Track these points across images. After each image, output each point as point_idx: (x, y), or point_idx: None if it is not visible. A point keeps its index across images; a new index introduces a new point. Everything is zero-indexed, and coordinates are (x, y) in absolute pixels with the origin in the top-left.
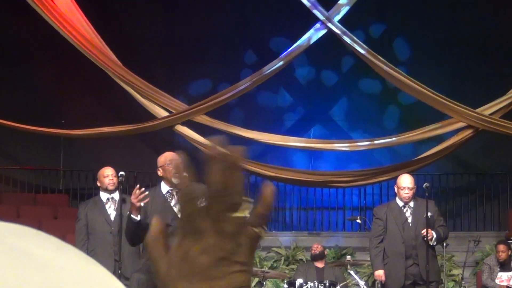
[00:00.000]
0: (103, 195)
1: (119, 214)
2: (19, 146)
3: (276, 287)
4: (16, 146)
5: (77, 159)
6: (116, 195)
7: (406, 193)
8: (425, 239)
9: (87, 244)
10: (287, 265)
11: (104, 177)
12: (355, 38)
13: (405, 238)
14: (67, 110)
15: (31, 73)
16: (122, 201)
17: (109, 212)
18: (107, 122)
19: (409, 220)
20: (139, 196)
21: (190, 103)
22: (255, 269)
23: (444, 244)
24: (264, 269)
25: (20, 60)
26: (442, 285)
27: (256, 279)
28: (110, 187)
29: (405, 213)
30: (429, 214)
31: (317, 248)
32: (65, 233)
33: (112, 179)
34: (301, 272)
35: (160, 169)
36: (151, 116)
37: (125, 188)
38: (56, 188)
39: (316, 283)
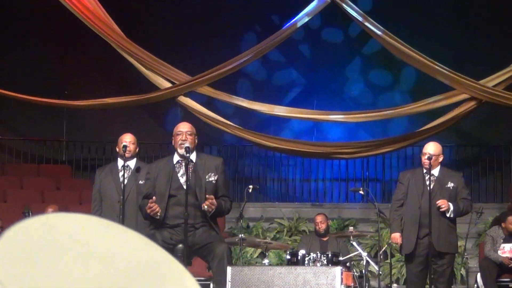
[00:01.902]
0: (119, 162)
1: (122, 183)
2: (22, 117)
3: (278, 258)
4: (19, 117)
5: (80, 130)
6: (132, 163)
7: (425, 158)
8: (440, 209)
9: (101, 210)
10: (290, 236)
11: (122, 143)
12: (360, 11)
13: (422, 205)
14: (70, 81)
15: (35, 45)
16: (136, 170)
17: (121, 180)
18: (110, 93)
19: (430, 188)
20: (154, 210)
21: (192, 76)
22: (258, 240)
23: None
24: (267, 240)
25: (23, 32)
26: None
27: (259, 250)
28: (126, 154)
29: (426, 180)
30: (452, 185)
31: (322, 225)
32: (68, 204)
33: (128, 146)
34: (305, 244)
35: (172, 138)
36: (154, 87)
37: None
38: (59, 159)
39: (319, 254)
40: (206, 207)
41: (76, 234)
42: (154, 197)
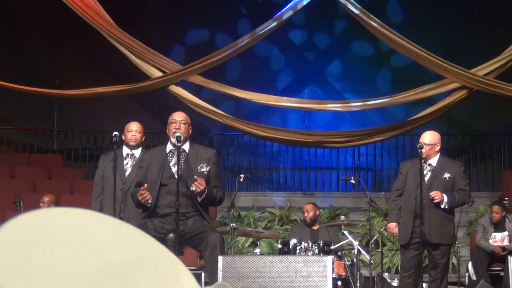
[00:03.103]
0: (125, 150)
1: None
2: (13, 107)
3: (270, 247)
4: (10, 107)
5: (71, 119)
6: (137, 152)
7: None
8: (433, 201)
9: (102, 196)
10: (281, 226)
11: (128, 131)
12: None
13: (417, 196)
14: (61, 70)
15: (25, 34)
16: (131, 156)
17: (125, 168)
18: (101, 82)
19: (426, 178)
20: (145, 197)
21: (184, 64)
22: (249, 229)
23: None
24: (258, 229)
25: (13, 21)
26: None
27: (250, 239)
28: (132, 143)
29: (423, 170)
30: (449, 175)
31: (307, 214)
32: (60, 194)
33: (134, 135)
34: (296, 233)
35: (167, 127)
36: (145, 76)
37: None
38: (50, 149)
39: (310, 243)
40: (193, 187)
41: (71, 228)
42: (146, 185)
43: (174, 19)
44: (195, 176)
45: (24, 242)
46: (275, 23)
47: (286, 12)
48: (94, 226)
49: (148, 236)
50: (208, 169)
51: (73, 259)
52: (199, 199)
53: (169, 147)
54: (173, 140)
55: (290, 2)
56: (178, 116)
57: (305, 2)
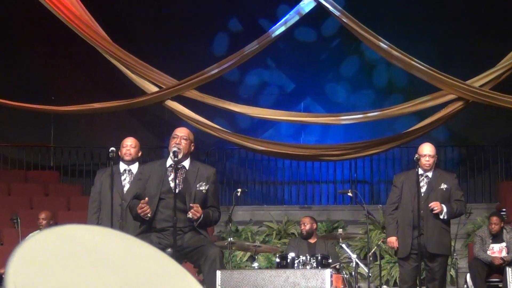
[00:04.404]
0: (122, 166)
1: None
2: (9, 123)
3: (268, 261)
4: (6, 123)
5: (68, 135)
6: (134, 167)
7: (427, 160)
8: (433, 212)
9: (99, 212)
10: (279, 239)
11: (123, 147)
12: (345, 12)
13: (415, 208)
14: (57, 87)
15: (21, 50)
16: (128, 172)
17: (123, 184)
18: (98, 98)
19: (423, 190)
20: (145, 211)
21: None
22: (247, 243)
23: None
24: (256, 244)
25: (9, 37)
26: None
27: (248, 254)
28: (126, 158)
29: (420, 182)
30: (446, 186)
31: (304, 227)
32: (56, 210)
33: (129, 150)
34: (293, 247)
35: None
36: (142, 92)
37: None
38: (47, 165)
39: (308, 257)
40: (190, 215)
41: (91, 245)
42: (146, 198)
43: (168, 33)
44: (191, 204)
45: (46, 258)
46: (270, 37)
47: (277, 30)
48: (113, 243)
49: (164, 254)
50: (206, 187)
51: (93, 276)
52: (195, 224)
53: (169, 161)
54: (171, 154)
55: (282, 18)
56: (180, 132)
57: (293, 21)
